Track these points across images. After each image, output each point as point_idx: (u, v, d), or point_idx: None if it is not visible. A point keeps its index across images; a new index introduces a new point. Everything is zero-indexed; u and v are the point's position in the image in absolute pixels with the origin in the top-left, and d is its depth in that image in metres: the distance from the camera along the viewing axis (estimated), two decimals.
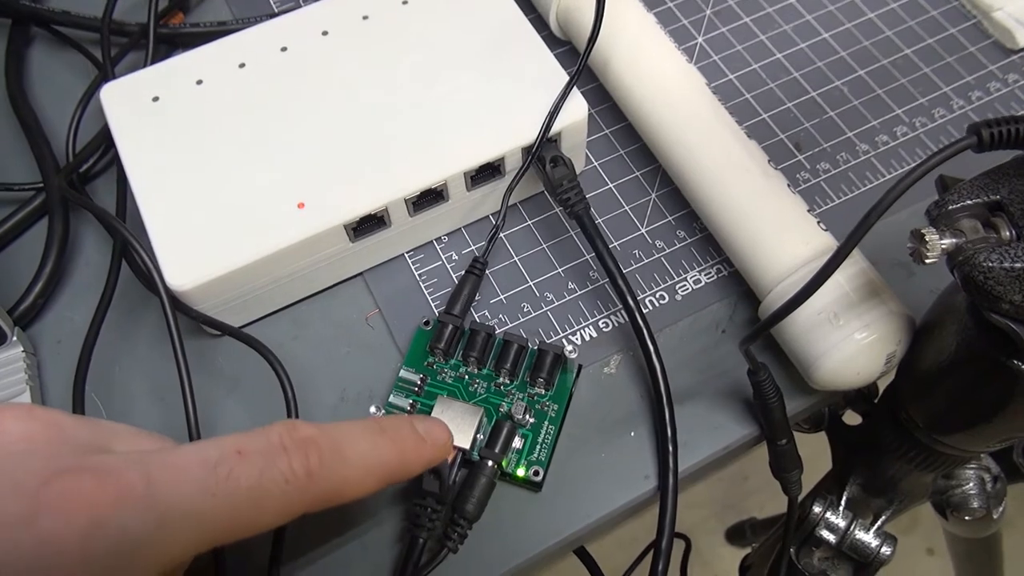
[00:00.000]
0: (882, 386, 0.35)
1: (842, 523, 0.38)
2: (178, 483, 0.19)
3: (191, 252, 0.32)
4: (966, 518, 0.40)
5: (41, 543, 0.18)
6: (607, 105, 0.40)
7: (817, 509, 0.38)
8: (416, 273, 0.36)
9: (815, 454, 0.38)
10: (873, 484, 0.38)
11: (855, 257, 0.31)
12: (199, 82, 0.36)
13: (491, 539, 0.30)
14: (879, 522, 0.38)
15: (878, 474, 0.38)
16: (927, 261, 0.23)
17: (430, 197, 0.34)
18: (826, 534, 0.38)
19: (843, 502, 0.38)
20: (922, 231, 0.23)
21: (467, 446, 0.30)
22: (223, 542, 0.20)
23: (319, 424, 0.23)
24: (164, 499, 0.19)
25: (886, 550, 0.37)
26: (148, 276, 0.32)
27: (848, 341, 0.29)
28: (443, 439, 0.27)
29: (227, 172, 0.33)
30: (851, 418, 0.41)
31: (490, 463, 0.30)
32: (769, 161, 0.34)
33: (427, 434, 0.26)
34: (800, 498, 0.34)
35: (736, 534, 1.04)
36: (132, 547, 0.18)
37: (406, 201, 0.33)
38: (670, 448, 0.31)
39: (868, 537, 0.38)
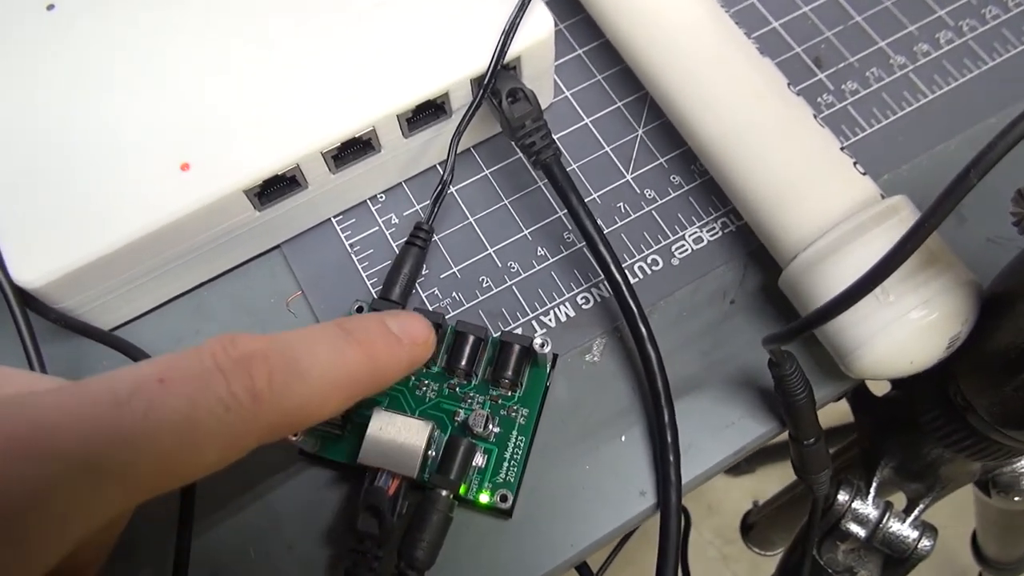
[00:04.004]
0: None
1: (873, 513, 0.32)
2: (79, 425, 0.16)
3: (45, 236, 0.25)
4: (1015, 499, 0.34)
5: None
6: (579, 18, 0.32)
7: (842, 498, 0.32)
8: (347, 243, 0.29)
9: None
10: (909, 468, 0.32)
11: (907, 209, 0.24)
12: (50, 7, 0.28)
13: None
14: (916, 511, 0.32)
15: (915, 457, 0.32)
16: None
17: (356, 148, 0.27)
18: (854, 527, 0.32)
19: (873, 488, 0.32)
20: None
21: (414, 473, 0.24)
22: (156, 492, 0.17)
23: (266, 335, 0.19)
24: (59, 446, 0.15)
25: (926, 543, 0.32)
26: None
27: (901, 323, 0.22)
28: (422, 335, 0.22)
29: (89, 128, 0.26)
30: (878, 385, 0.34)
31: (444, 493, 0.24)
32: (789, 84, 0.27)
33: (402, 332, 0.21)
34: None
35: None
36: (17, 511, 0.15)
37: (324, 155, 0.26)
38: (670, 456, 0.25)
39: (905, 529, 0.32)
